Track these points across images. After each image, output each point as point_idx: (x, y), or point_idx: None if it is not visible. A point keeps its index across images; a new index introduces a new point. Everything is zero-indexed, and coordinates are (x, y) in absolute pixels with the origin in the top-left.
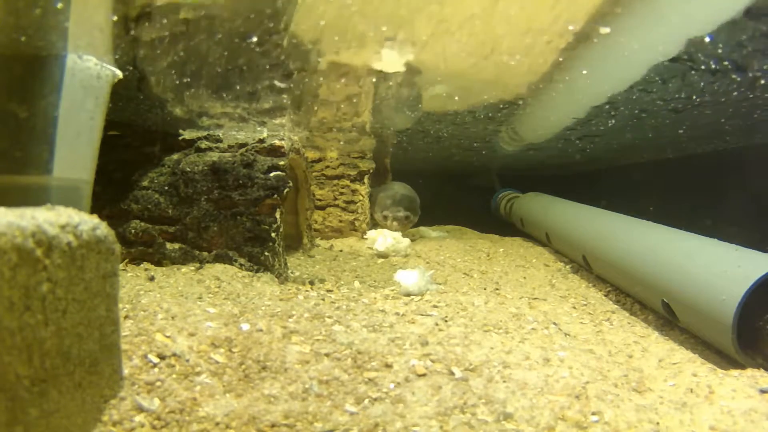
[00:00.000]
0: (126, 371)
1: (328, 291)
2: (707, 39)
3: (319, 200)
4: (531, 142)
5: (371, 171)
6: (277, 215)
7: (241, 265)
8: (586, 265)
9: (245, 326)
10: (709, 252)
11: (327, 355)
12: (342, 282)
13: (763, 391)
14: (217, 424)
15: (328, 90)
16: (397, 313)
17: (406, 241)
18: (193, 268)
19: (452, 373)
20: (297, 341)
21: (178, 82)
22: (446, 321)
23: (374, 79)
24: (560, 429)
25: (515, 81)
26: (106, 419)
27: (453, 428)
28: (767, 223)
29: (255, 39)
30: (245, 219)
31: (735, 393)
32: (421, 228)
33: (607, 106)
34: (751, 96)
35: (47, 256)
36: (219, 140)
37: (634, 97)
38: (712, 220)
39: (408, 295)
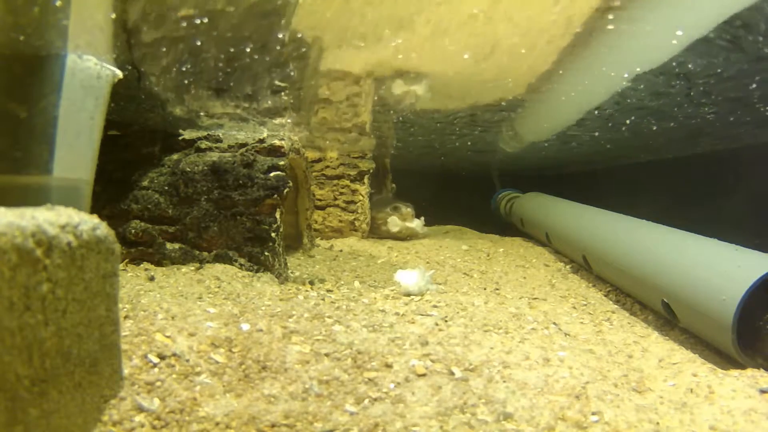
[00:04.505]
0: (126, 371)
1: (328, 291)
2: None
3: (319, 200)
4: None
5: (371, 171)
6: (277, 215)
7: (241, 265)
8: (586, 265)
9: (245, 326)
10: (709, 252)
11: (327, 355)
12: (342, 282)
13: (763, 391)
14: (217, 424)
15: (328, 90)
16: (397, 313)
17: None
18: (193, 268)
19: (452, 373)
20: (297, 341)
21: (177, 82)
22: (446, 321)
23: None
24: (560, 429)
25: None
26: (106, 419)
27: (453, 428)
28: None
29: (255, 39)
30: (245, 219)
31: (735, 393)
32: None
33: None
34: None
35: (47, 256)
36: (219, 140)
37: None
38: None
39: (408, 295)
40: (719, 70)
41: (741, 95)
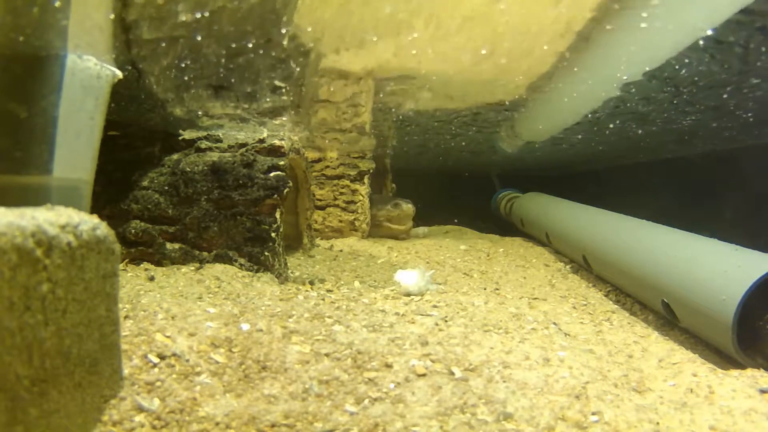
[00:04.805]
0: (126, 371)
1: (328, 291)
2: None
3: (319, 200)
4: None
5: (371, 171)
6: (277, 215)
7: (241, 265)
8: (586, 265)
9: (245, 326)
10: (709, 252)
11: (327, 355)
12: (342, 282)
13: (763, 391)
14: (217, 424)
15: (328, 90)
16: (397, 313)
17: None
18: (193, 268)
19: (452, 373)
20: (297, 341)
21: (177, 82)
22: (446, 321)
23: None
24: (560, 429)
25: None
26: (106, 419)
27: (453, 428)
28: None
29: (255, 38)
30: (245, 219)
31: (735, 393)
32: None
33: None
34: None
35: (47, 256)
36: (219, 140)
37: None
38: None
39: (408, 295)
40: (696, 79)
41: (719, 103)
